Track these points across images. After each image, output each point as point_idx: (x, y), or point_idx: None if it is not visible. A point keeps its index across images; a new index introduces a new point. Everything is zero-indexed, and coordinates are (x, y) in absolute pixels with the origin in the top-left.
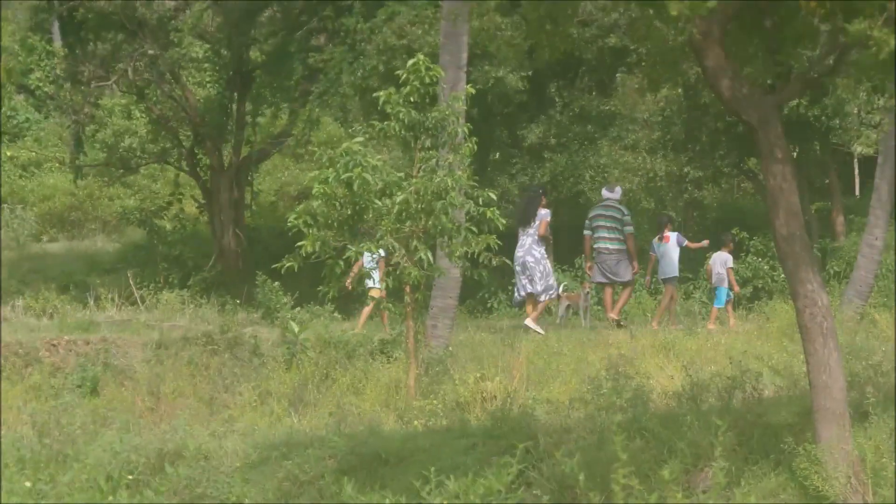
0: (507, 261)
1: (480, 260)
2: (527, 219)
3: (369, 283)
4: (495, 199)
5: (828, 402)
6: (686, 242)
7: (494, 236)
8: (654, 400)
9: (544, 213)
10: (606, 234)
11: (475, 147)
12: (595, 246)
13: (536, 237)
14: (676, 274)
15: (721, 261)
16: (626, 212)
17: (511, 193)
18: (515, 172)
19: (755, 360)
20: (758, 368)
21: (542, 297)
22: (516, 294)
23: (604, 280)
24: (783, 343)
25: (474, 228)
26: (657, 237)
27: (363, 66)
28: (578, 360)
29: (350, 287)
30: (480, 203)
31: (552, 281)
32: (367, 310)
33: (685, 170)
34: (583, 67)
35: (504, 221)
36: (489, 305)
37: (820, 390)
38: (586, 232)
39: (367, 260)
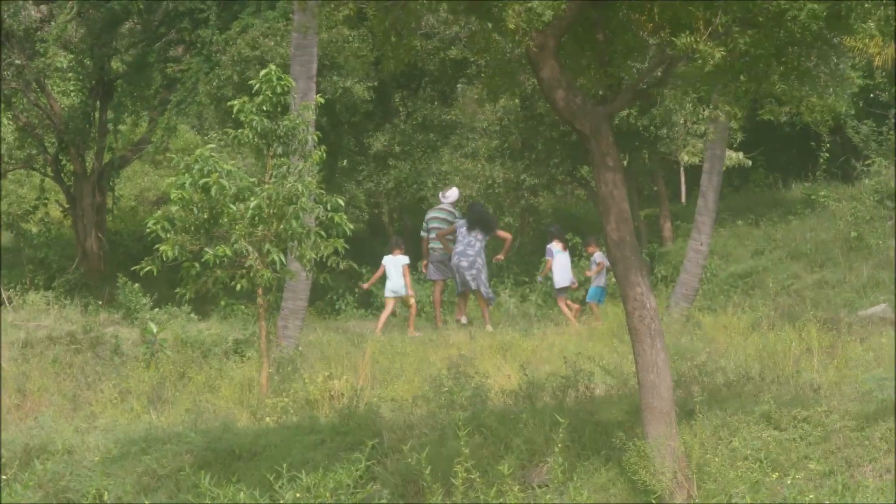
0: (354, 265)
1: (329, 263)
2: (490, 227)
3: (390, 291)
4: (343, 204)
5: (655, 400)
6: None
7: (342, 240)
8: (492, 398)
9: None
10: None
11: (324, 154)
12: (430, 246)
13: (482, 247)
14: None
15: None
16: (457, 214)
17: (358, 199)
18: (362, 179)
19: (587, 360)
20: (590, 368)
21: (490, 296)
22: (459, 287)
23: (439, 277)
24: (614, 344)
25: (323, 233)
26: (560, 245)
27: (218, 77)
28: (421, 360)
29: (366, 288)
30: (329, 208)
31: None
32: (384, 314)
33: (522, 177)
34: (426, 78)
35: (351, 227)
36: (337, 307)
37: (648, 389)
38: (423, 233)
39: (389, 266)
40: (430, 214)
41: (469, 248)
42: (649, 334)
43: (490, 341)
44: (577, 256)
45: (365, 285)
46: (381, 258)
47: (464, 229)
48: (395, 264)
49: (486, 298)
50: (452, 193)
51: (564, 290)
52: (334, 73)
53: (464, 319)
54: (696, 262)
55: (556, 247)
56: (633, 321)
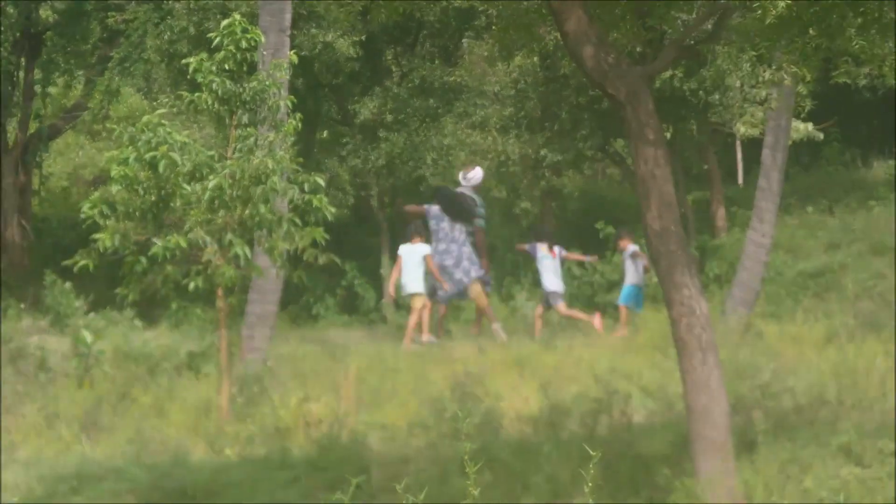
0: (336, 259)
1: (305, 258)
2: (467, 215)
3: (411, 287)
4: (323, 185)
5: (708, 429)
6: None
7: (322, 229)
8: (506, 426)
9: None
10: None
11: (299, 124)
12: None
13: (469, 243)
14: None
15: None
16: (479, 202)
17: (341, 179)
18: (346, 154)
19: (624, 379)
20: (627, 389)
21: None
22: (447, 290)
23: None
24: (655, 359)
25: (298, 220)
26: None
27: (171, 28)
28: (418, 379)
29: (393, 295)
30: (306, 190)
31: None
32: (412, 321)
33: (542, 152)
34: (424, 32)
35: (333, 211)
36: (315, 312)
37: (699, 415)
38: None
39: (407, 257)
40: None
41: (451, 243)
42: (700, 347)
43: (503, 355)
44: (610, 250)
45: (392, 291)
46: (370, 250)
47: (445, 223)
48: (413, 255)
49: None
50: (476, 174)
51: (559, 295)
52: (312, 24)
53: (426, 338)
54: (756, 257)
55: (541, 249)
56: (679, 331)
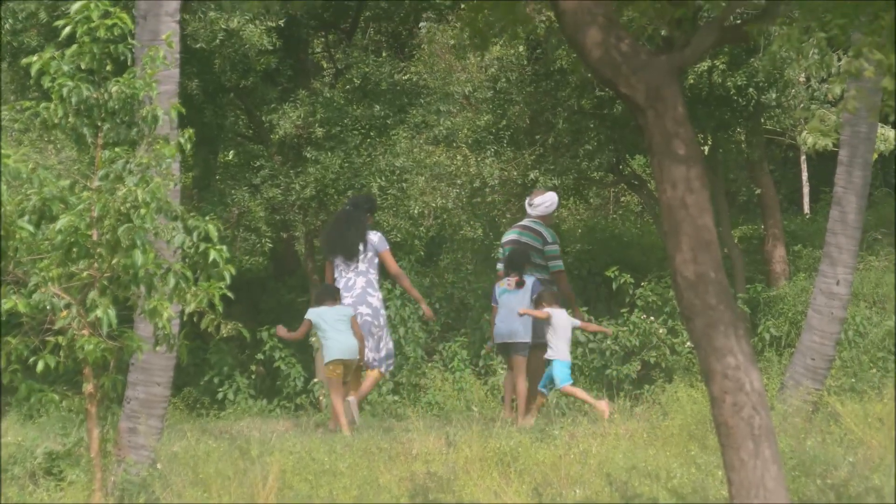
0: (244, 330)
1: (203, 326)
2: (349, 247)
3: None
4: (214, 233)
5: None
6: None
7: (224, 284)
8: None
9: (377, 240)
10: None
11: (190, 142)
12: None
13: (372, 276)
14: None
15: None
16: (549, 238)
17: (254, 216)
18: (261, 182)
19: (647, 479)
20: (651, 492)
21: (382, 368)
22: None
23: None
24: (690, 451)
25: (190, 274)
26: (506, 280)
27: (13, 14)
28: (364, 483)
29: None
30: (196, 238)
31: (391, 344)
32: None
33: (531, 175)
34: (366, 13)
35: (238, 266)
36: (220, 395)
37: None
38: (499, 266)
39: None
40: (508, 236)
41: (345, 294)
42: (751, 435)
43: (480, 450)
44: (626, 307)
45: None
46: (297, 311)
47: (338, 263)
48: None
49: (373, 367)
50: (547, 200)
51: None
52: (210, 6)
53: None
54: (828, 313)
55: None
56: (723, 413)
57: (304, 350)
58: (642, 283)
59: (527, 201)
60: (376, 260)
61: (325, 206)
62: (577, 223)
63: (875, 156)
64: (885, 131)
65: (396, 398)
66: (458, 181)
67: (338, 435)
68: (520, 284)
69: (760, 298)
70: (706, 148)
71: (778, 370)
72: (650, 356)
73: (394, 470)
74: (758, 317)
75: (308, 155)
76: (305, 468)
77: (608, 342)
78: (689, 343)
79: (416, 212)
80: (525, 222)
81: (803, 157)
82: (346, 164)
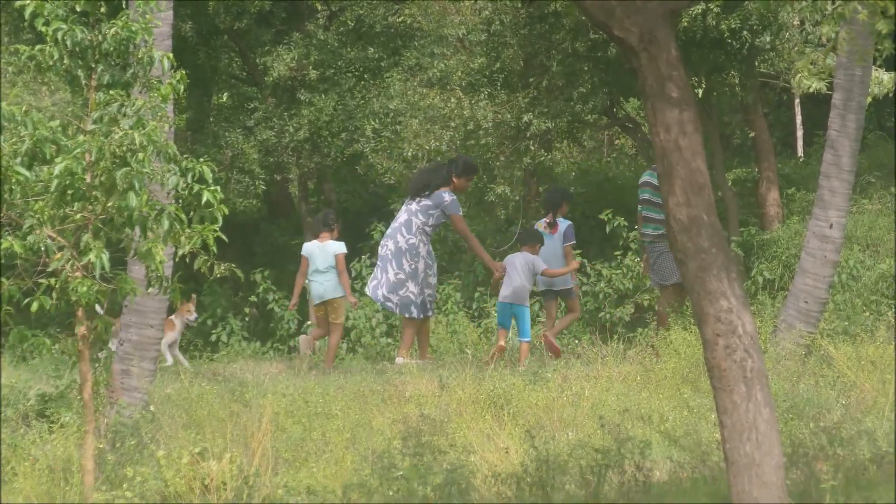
0: (238, 270)
1: (196, 267)
2: (414, 185)
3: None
4: (209, 174)
5: (755, 487)
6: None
7: (218, 227)
8: (479, 487)
9: (448, 200)
10: (648, 213)
11: (184, 85)
12: (642, 231)
13: (417, 221)
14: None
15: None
16: None
17: (248, 158)
18: (255, 125)
19: (639, 422)
20: (644, 435)
21: (406, 313)
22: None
23: (671, 280)
24: (683, 394)
25: (184, 216)
26: (545, 221)
27: None
28: (357, 425)
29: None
30: (190, 179)
31: (426, 295)
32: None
33: (525, 118)
34: None
35: (226, 210)
36: (213, 337)
37: (743, 469)
38: (639, 208)
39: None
40: (643, 178)
41: (393, 223)
42: (743, 378)
43: (474, 392)
44: (621, 250)
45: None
46: (290, 254)
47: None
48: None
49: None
50: None
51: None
52: None
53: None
54: (821, 256)
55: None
56: (715, 356)
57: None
58: (636, 226)
59: None
60: (433, 213)
61: (319, 148)
62: (570, 166)
63: (869, 99)
64: (879, 74)
65: (390, 341)
66: (452, 124)
67: (330, 377)
68: (551, 226)
69: (754, 241)
70: (700, 91)
71: (771, 313)
72: (643, 299)
73: (386, 412)
74: (751, 260)
75: (302, 97)
76: (299, 410)
77: (601, 285)
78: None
79: (409, 154)
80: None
81: (797, 101)
82: (340, 107)
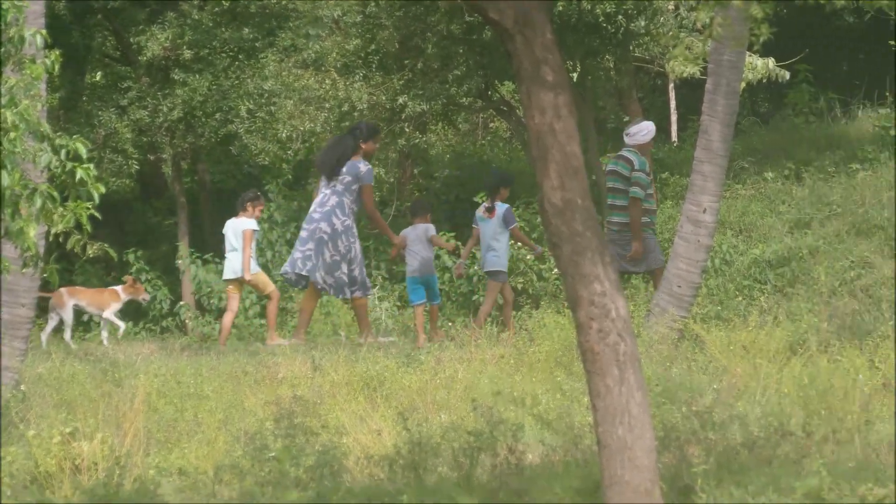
0: (110, 249)
1: (69, 246)
2: (327, 165)
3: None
4: (84, 151)
5: (627, 471)
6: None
7: (91, 205)
8: (351, 469)
9: (364, 171)
10: (614, 200)
11: (57, 63)
12: (607, 219)
13: (347, 200)
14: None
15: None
16: (637, 165)
17: (121, 138)
18: (128, 104)
19: (512, 405)
20: (516, 418)
21: (340, 295)
22: (288, 267)
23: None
24: (556, 377)
25: (56, 194)
26: (484, 206)
27: None
28: (230, 406)
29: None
30: (64, 157)
31: (356, 272)
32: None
33: (400, 100)
34: None
35: (107, 186)
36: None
37: (615, 453)
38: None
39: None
40: (608, 166)
41: (316, 208)
42: (616, 361)
43: (346, 374)
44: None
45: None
46: (163, 234)
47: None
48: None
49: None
50: (643, 129)
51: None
52: None
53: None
54: (694, 241)
55: (481, 212)
56: (588, 339)
57: (171, 272)
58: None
59: (624, 132)
60: (355, 187)
61: (193, 128)
62: (445, 149)
63: (743, 84)
64: (753, 60)
65: (263, 322)
66: (327, 105)
67: (203, 358)
68: (489, 211)
69: None
70: (575, 75)
71: (644, 297)
72: (517, 282)
73: (259, 394)
74: None
75: (176, 77)
76: (171, 391)
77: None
78: (556, 270)
79: (284, 135)
80: (622, 151)
81: (671, 85)
82: (215, 87)
